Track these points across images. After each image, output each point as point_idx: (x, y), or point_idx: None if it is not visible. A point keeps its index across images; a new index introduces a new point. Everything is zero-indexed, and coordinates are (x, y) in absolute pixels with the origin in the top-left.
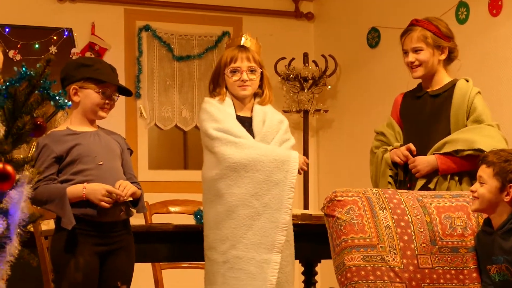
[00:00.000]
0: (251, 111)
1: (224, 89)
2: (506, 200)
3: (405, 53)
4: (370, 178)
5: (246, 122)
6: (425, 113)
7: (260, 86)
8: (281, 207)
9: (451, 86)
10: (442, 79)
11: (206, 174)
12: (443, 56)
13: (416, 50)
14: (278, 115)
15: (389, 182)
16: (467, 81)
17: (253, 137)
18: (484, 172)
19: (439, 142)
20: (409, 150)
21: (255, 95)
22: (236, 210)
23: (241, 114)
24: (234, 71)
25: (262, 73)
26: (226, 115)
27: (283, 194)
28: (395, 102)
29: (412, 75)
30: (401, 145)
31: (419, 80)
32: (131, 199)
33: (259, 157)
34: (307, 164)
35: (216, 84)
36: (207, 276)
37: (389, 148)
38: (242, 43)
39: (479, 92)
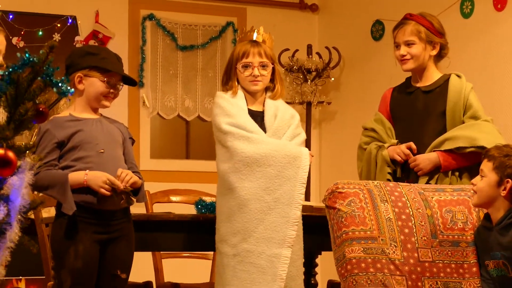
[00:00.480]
0: (263, 105)
1: (236, 83)
2: (502, 194)
3: (397, 46)
4: (358, 174)
5: (258, 117)
6: (417, 109)
7: (272, 80)
8: (292, 202)
9: (444, 82)
10: (433, 74)
11: (219, 167)
12: (434, 52)
13: (408, 44)
14: (289, 109)
15: (388, 179)
16: (459, 76)
17: (265, 131)
18: (485, 165)
19: (438, 139)
20: (410, 149)
21: (266, 89)
22: (247, 204)
23: (253, 108)
24: (245, 66)
25: (273, 68)
26: (238, 110)
27: (295, 190)
28: (384, 98)
29: (402, 67)
30: (397, 143)
31: (403, 75)
32: (131, 189)
33: (271, 152)
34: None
35: (228, 77)
36: (218, 268)
37: (385, 145)
38: (254, 39)
39: (472, 88)
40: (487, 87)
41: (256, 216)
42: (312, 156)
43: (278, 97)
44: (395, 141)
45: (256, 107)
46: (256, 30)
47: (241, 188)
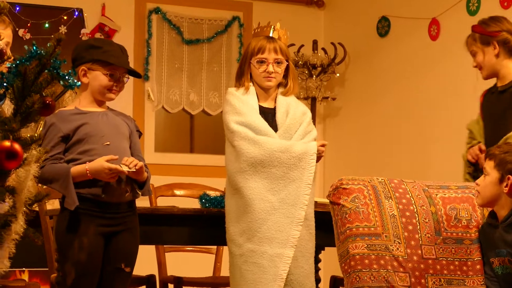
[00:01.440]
0: (275, 102)
1: (249, 78)
2: (505, 191)
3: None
4: None
5: (270, 114)
6: (497, 108)
7: (285, 76)
8: (297, 202)
9: None
10: (507, 74)
11: (227, 166)
12: (496, 50)
13: (473, 55)
14: (301, 106)
15: (467, 179)
16: None
17: (276, 129)
18: (487, 164)
19: (504, 138)
20: (481, 150)
21: (279, 85)
22: (252, 203)
23: (265, 105)
24: (260, 62)
25: (288, 64)
26: (249, 108)
27: (300, 191)
28: (480, 98)
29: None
30: (478, 143)
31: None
32: (134, 170)
33: (276, 154)
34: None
35: (242, 72)
36: (230, 268)
37: (469, 145)
38: (270, 35)
39: None
40: (490, 82)
41: (260, 216)
42: (325, 144)
43: (290, 94)
44: (476, 141)
45: (268, 104)
46: (272, 26)
47: (246, 188)
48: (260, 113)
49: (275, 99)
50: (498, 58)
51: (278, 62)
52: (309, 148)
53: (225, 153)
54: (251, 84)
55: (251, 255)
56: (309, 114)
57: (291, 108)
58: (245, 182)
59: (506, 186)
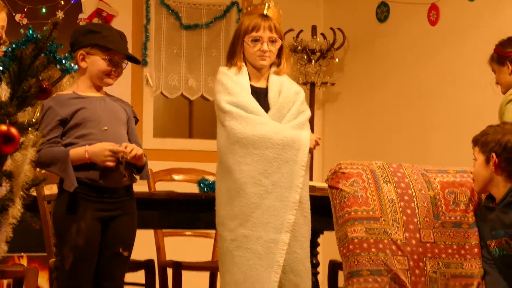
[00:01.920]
0: (267, 81)
1: (241, 58)
2: (493, 169)
3: None
4: None
5: (262, 94)
6: None
7: (278, 55)
8: (291, 185)
9: None
10: None
11: (218, 146)
12: (509, 70)
13: (494, 72)
14: (294, 85)
15: None
16: None
17: (269, 108)
18: (474, 151)
19: None
20: None
21: (271, 64)
22: (245, 187)
23: (257, 85)
24: (255, 40)
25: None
26: (241, 89)
27: (294, 172)
28: None
29: None
30: None
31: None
32: (134, 159)
33: (269, 134)
34: (320, 140)
35: (234, 52)
36: (219, 252)
37: None
38: (265, 13)
39: None
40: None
41: (253, 200)
42: (319, 138)
43: (283, 73)
44: None
45: (260, 84)
46: (267, 4)
47: (239, 171)
48: (252, 93)
49: (267, 79)
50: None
51: (273, 41)
52: (303, 132)
53: (217, 134)
54: (243, 64)
55: (245, 241)
56: (303, 94)
57: (284, 87)
58: (237, 165)
59: (493, 164)
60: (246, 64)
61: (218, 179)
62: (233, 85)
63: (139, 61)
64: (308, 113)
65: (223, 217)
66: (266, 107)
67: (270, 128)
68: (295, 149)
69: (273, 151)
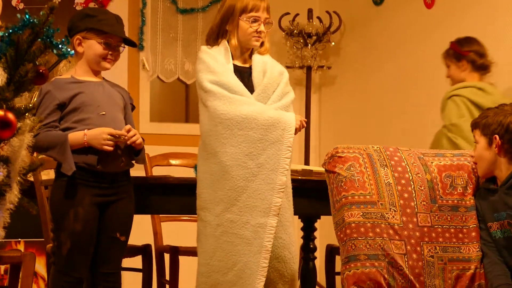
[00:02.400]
0: (248, 61)
1: (235, 36)
2: (496, 151)
3: None
4: None
5: (246, 73)
6: None
7: None
8: (278, 167)
9: None
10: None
11: (200, 128)
12: (464, 68)
13: (448, 67)
14: (278, 65)
15: None
16: None
17: (253, 88)
18: (475, 134)
19: None
20: None
21: None
22: (230, 170)
23: (240, 64)
24: (255, 21)
25: None
26: (224, 68)
27: (280, 154)
28: None
29: None
30: None
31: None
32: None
33: (253, 114)
34: (305, 122)
35: (222, 31)
36: (199, 237)
37: None
38: None
39: None
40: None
41: (238, 183)
42: (305, 120)
43: (267, 53)
44: None
45: (243, 63)
46: None
47: (223, 153)
48: (235, 72)
49: (248, 59)
50: (463, 72)
51: (268, 23)
52: (288, 113)
53: (199, 115)
54: (226, 41)
55: (232, 226)
56: (286, 74)
57: (268, 67)
58: (222, 147)
59: (496, 146)
60: (228, 44)
61: (200, 162)
62: (215, 64)
63: (136, 44)
64: (292, 95)
65: (207, 201)
66: (250, 87)
67: (254, 108)
68: (281, 129)
69: (258, 132)
